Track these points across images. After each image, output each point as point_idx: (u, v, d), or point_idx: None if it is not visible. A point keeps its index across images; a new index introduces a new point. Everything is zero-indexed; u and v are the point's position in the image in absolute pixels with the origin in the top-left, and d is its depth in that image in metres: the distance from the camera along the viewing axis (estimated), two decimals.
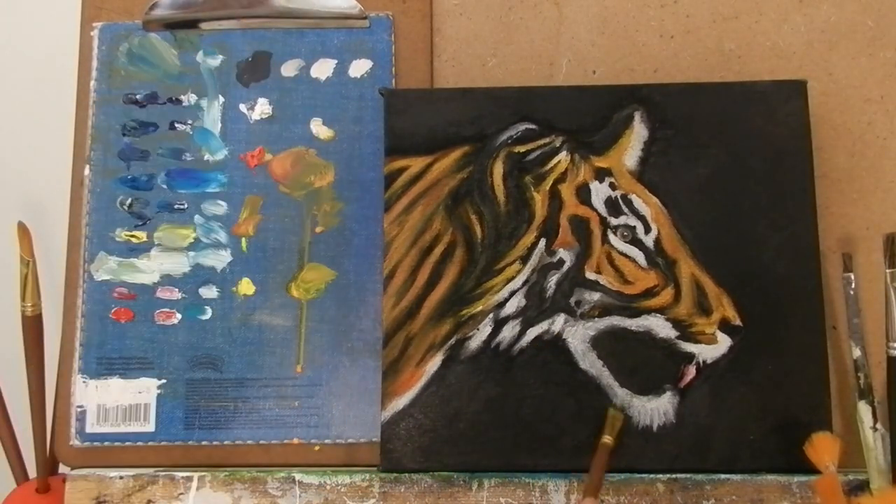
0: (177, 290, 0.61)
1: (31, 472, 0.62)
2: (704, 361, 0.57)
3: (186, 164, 0.63)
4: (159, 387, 0.60)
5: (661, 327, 0.57)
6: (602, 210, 0.59)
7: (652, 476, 0.56)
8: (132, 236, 0.62)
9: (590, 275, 0.58)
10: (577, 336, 0.58)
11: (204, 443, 0.60)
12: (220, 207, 0.62)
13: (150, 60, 0.64)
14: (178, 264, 0.62)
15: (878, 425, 0.56)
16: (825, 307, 0.58)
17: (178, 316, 0.61)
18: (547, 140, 0.60)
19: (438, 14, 0.65)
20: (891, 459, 0.55)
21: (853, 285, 0.59)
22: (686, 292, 0.58)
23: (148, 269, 0.62)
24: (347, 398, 0.60)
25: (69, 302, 0.61)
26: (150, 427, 0.60)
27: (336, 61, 0.64)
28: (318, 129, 0.63)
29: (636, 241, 0.58)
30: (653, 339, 0.57)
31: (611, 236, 0.58)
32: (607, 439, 0.55)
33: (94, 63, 0.64)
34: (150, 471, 0.58)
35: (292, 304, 0.61)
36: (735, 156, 0.59)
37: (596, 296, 0.58)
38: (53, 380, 0.61)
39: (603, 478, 0.54)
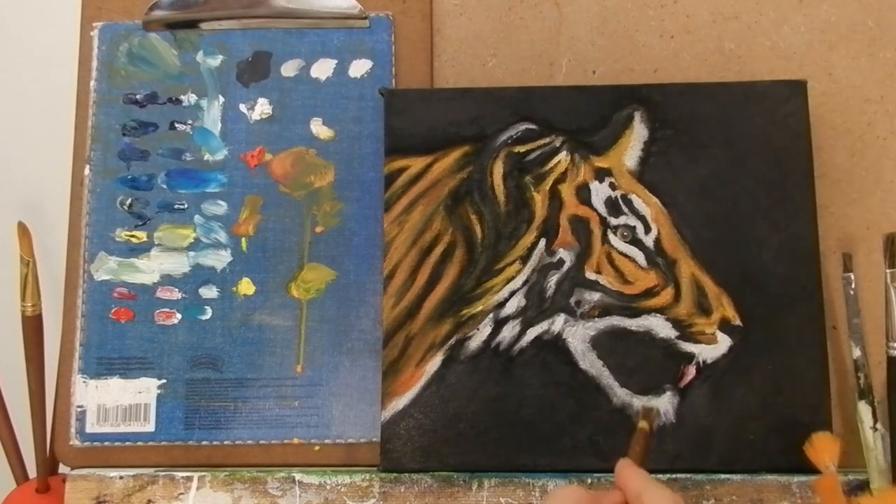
0: (177, 290, 0.61)
1: (31, 472, 0.62)
2: (704, 361, 0.57)
3: (186, 164, 0.63)
4: (159, 387, 0.60)
5: (661, 327, 0.57)
6: (602, 210, 0.59)
7: (652, 476, 0.56)
8: (132, 236, 0.62)
9: (590, 275, 0.58)
10: (577, 336, 0.58)
11: (204, 443, 0.60)
12: (220, 207, 0.62)
13: (150, 60, 0.64)
14: (178, 264, 0.62)
15: (878, 425, 0.56)
16: (825, 307, 0.58)
17: (178, 316, 0.61)
18: (547, 140, 0.60)
19: (438, 14, 0.65)
20: (891, 459, 0.55)
21: (853, 285, 0.59)
22: (686, 292, 0.58)
23: (148, 269, 0.62)
24: (347, 398, 0.60)
25: (69, 302, 0.61)
26: (150, 427, 0.60)
27: (336, 61, 0.64)
28: (318, 129, 0.63)
29: (636, 241, 0.58)
30: (653, 339, 0.57)
31: (611, 236, 0.58)
32: (643, 424, 0.51)
33: (94, 63, 0.64)
34: (150, 471, 0.58)
35: (292, 304, 0.61)
36: (735, 156, 0.59)
37: (596, 296, 0.58)
38: (53, 380, 0.61)
39: (641, 456, 0.50)
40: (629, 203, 0.59)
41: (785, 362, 0.57)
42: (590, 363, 0.57)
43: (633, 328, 0.58)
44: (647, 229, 0.58)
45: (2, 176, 0.70)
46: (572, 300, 0.58)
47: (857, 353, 0.57)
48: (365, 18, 0.64)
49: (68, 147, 0.63)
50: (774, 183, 0.58)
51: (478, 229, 0.59)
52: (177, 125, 0.63)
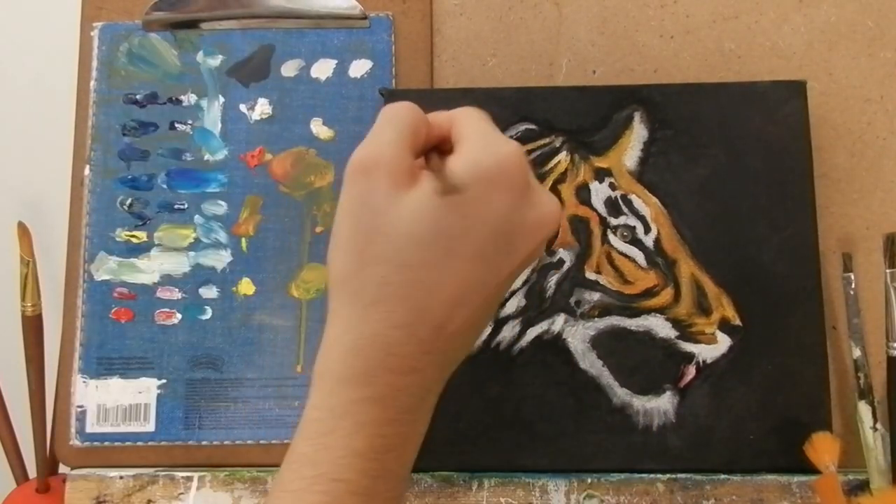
0: (177, 290, 0.61)
1: (31, 472, 0.62)
2: (704, 361, 0.57)
3: (186, 164, 0.63)
4: (159, 387, 0.60)
5: (660, 327, 0.57)
6: (602, 210, 0.59)
7: (652, 476, 0.56)
8: (132, 236, 0.62)
9: (590, 275, 0.58)
10: (577, 336, 0.58)
11: (204, 443, 0.60)
12: (220, 207, 0.62)
13: (150, 60, 0.64)
14: (178, 264, 0.62)
15: (878, 425, 0.56)
16: (825, 307, 0.58)
17: (178, 316, 0.61)
18: (547, 140, 0.60)
19: (438, 14, 0.65)
20: (891, 459, 0.55)
21: (853, 285, 0.59)
22: (686, 292, 0.58)
23: (148, 269, 0.62)
24: None
25: (69, 302, 0.61)
26: (150, 427, 0.60)
27: (336, 61, 0.64)
28: (318, 129, 0.63)
29: (636, 241, 0.58)
30: (653, 339, 0.57)
31: (611, 236, 0.58)
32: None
33: (94, 63, 0.64)
34: (150, 471, 0.58)
35: (292, 304, 0.61)
36: (735, 156, 0.59)
37: (596, 296, 0.58)
38: (53, 380, 0.61)
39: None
40: (629, 203, 0.59)
41: (785, 362, 0.57)
42: (590, 363, 0.57)
43: (632, 328, 0.58)
44: (647, 229, 0.58)
45: (2, 176, 0.70)
46: (572, 300, 0.58)
47: (857, 353, 0.57)
48: (365, 18, 0.64)
49: (68, 147, 0.63)
50: (774, 183, 0.58)
51: None
52: (177, 125, 0.63)
